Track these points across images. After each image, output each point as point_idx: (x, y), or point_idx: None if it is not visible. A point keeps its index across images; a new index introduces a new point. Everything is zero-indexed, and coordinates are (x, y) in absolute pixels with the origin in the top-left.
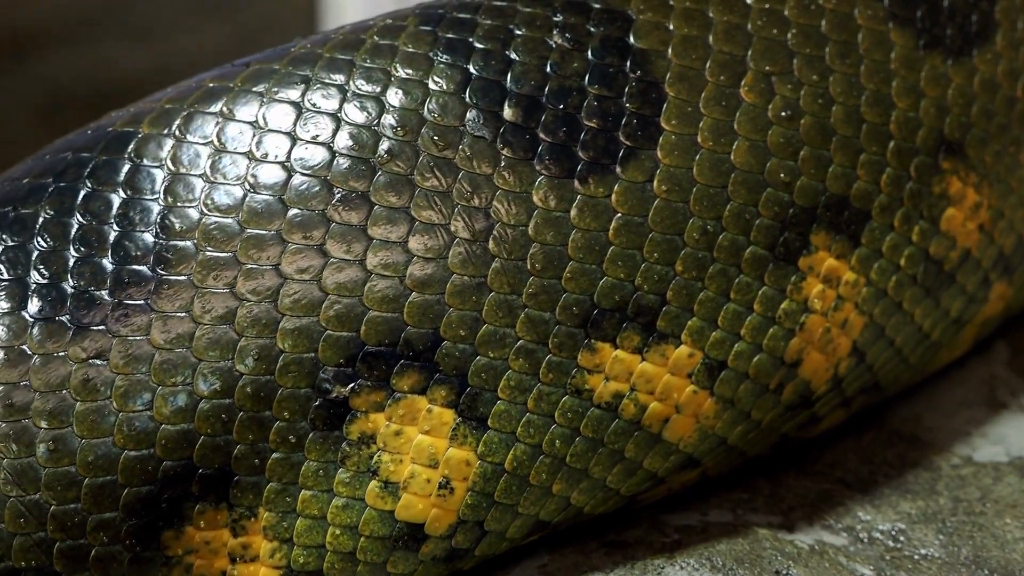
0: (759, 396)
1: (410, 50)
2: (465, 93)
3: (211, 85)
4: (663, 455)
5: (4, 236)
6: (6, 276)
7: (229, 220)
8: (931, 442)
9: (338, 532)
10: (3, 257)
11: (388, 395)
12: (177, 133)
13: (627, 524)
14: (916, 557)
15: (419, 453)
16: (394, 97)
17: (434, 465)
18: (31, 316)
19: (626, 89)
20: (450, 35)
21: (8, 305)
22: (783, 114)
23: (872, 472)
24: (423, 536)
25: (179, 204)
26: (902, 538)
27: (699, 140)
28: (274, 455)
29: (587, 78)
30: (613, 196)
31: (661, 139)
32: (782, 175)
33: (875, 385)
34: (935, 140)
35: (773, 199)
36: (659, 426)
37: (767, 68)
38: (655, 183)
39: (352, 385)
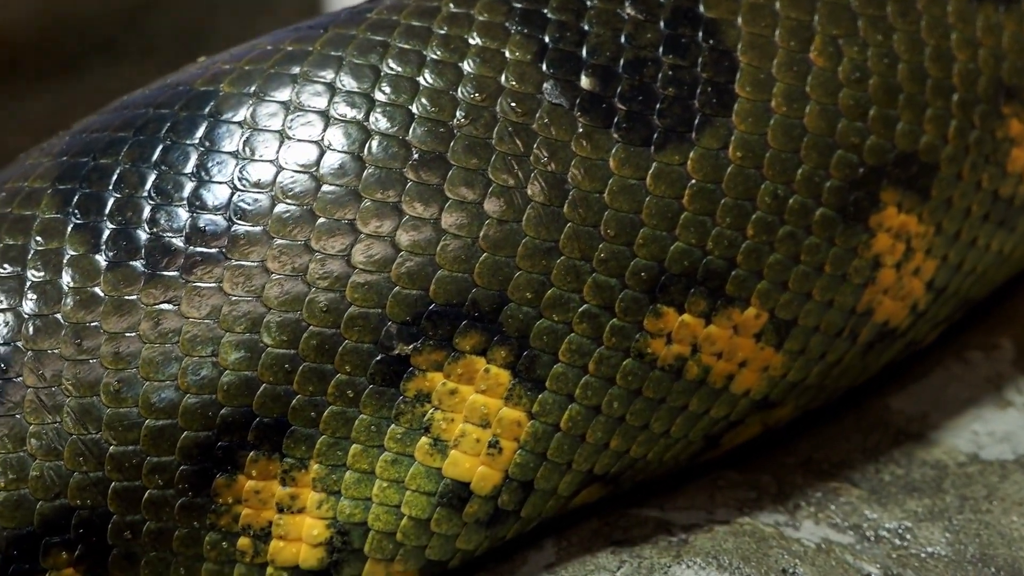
0: (831, 343)
1: (485, 19)
2: (542, 63)
3: (290, 48)
4: (730, 403)
5: (83, 184)
6: (82, 221)
7: (306, 177)
8: (937, 440)
9: (385, 485)
10: (80, 203)
11: (448, 354)
12: (257, 93)
13: (634, 523)
14: (923, 555)
15: (472, 412)
16: (471, 64)
17: (485, 425)
18: (105, 260)
19: (699, 58)
20: (523, 6)
21: (82, 249)
22: (853, 76)
23: (878, 470)
24: (468, 495)
25: (257, 160)
26: (908, 536)
27: (772, 106)
28: (330, 408)
29: (661, 48)
30: (688, 163)
31: (736, 106)
32: (852, 136)
33: (965, 302)
34: (995, 88)
35: (843, 161)
36: (723, 382)
37: (834, 32)
38: (730, 149)
39: (415, 343)
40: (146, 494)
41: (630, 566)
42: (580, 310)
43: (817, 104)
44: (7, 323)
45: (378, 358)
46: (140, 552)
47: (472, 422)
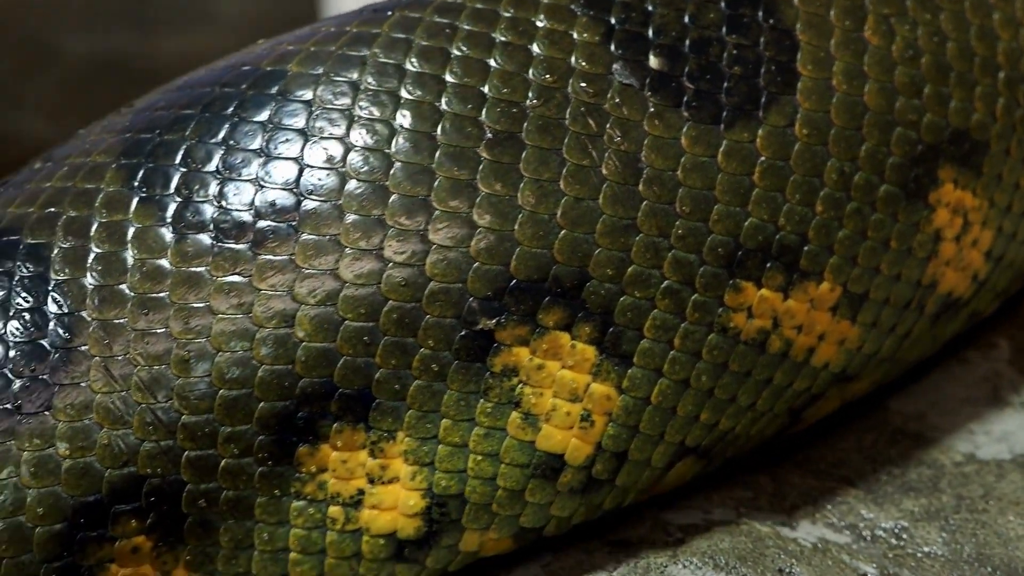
0: (901, 315)
1: (550, 2)
2: (610, 44)
3: (356, 30)
4: (811, 376)
5: (148, 159)
6: (148, 195)
7: (378, 155)
8: (934, 440)
9: (480, 459)
10: (146, 178)
11: (533, 329)
12: (326, 73)
13: (630, 523)
14: (919, 555)
15: (561, 387)
16: (540, 46)
17: (575, 399)
18: (172, 234)
19: (761, 37)
20: None
21: (148, 222)
22: (906, 55)
23: (875, 470)
24: (562, 466)
25: (327, 137)
26: (905, 536)
27: (833, 84)
28: (416, 383)
29: (723, 28)
30: (757, 140)
31: (799, 84)
32: (910, 114)
33: (1020, 273)
34: None
35: (903, 138)
36: (804, 355)
37: (884, 10)
38: (796, 127)
39: (498, 318)
40: (222, 463)
41: (626, 566)
42: (662, 286)
43: (875, 82)
44: (70, 293)
45: (462, 333)
46: (218, 519)
47: (562, 397)
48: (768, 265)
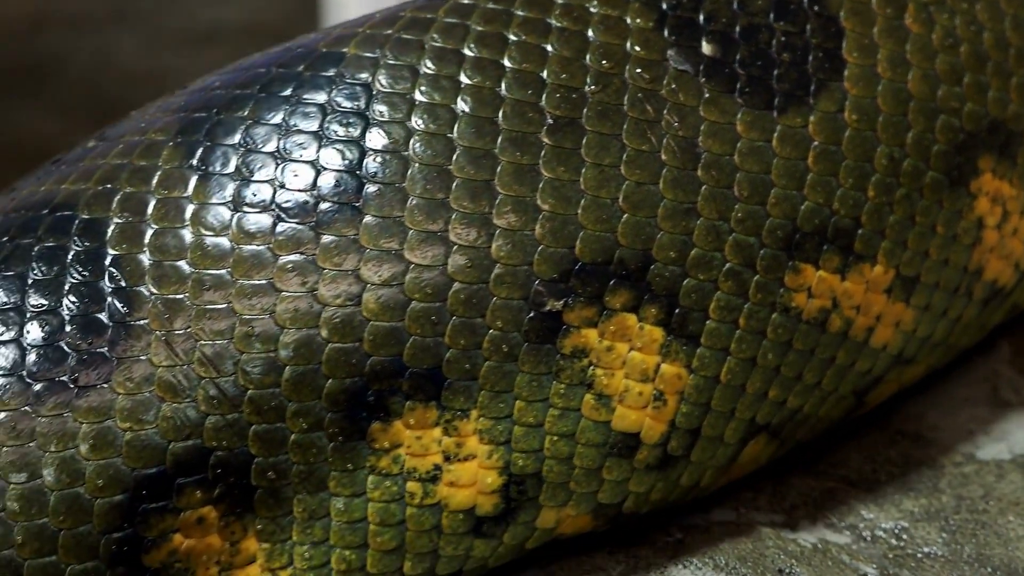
0: (951, 300)
1: None
2: (664, 30)
3: (411, 16)
4: (871, 357)
5: (206, 137)
6: (206, 173)
7: (440, 140)
8: (934, 440)
9: (555, 439)
10: (204, 156)
11: (600, 311)
12: (384, 56)
13: (631, 524)
14: (919, 555)
15: (632, 368)
16: (596, 32)
17: (646, 379)
18: (231, 211)
19: (807, 25)
20: None
21: (208, 200)
22: (946, 42)
23: (875, 470)
24: (637, 443)
25: (389, 120)
26: (905, 536)
27: (879, 71)
28: (487, 363)
29: (771, 15)
30: (810, 126)
31: (846, 71)
32: (952, 102)
33: None
34: None
35: (947, 125)
36: (864, 335)
37: None
38: (845, 113)
39: (566, 299)
40: (291, 437)
41: (627, 566)
42: (724, 268)
43: (918, 69)
44: (129, 269)
45: (530, 315)
46: (290, 491)
47: (633, 378)
48: (825, 247)
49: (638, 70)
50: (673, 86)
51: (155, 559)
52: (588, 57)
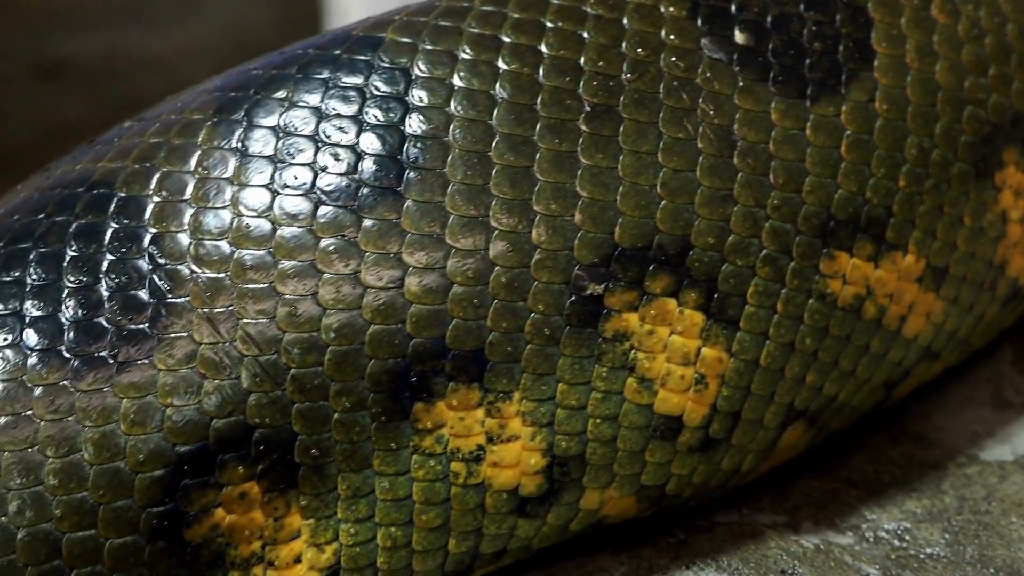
0: (978, 294)
1: None
2: (697, 19)
3: (447, 4)
4: (904, 347)
5: (245, 116)
6: (245, 152)
7: (480, 126)
8: (937, 441)
9: (599, 422)
10: (243, 136)
11: (641, 295)
12: (423, 42)
13: (633, 524)
14: (922, 556)
15: (673, 352)
16: (632, 20)
17: (687, 363)
18: (271, 193)
19: (837, 15)
20: None
21: (248, 180)
22: (972, 33)
23: (877, 471)
24: (680, 426)
25: (430, 104)
26: (908, 537)
27: (907, 60)
28: (529, 346)
29: (802, 5)
30: (842, 115)
31: (876, 61)
32: (979, 93)
33: None
34: None
35: (973, 116)
36: (897, 324)
37: None
38: (876, 102)
39: (607, 284)
40: (335, 416)
41: (629, 567)
42: (761, 254)
43: (946, 60)
44: (168, 247)
45: (572, 298)
46: (334, 469)
47: (674, 361)
48: (858, 235)
49: (673, 58)
50: (708, 74)
51: (197, 534)
52: (624, 45)
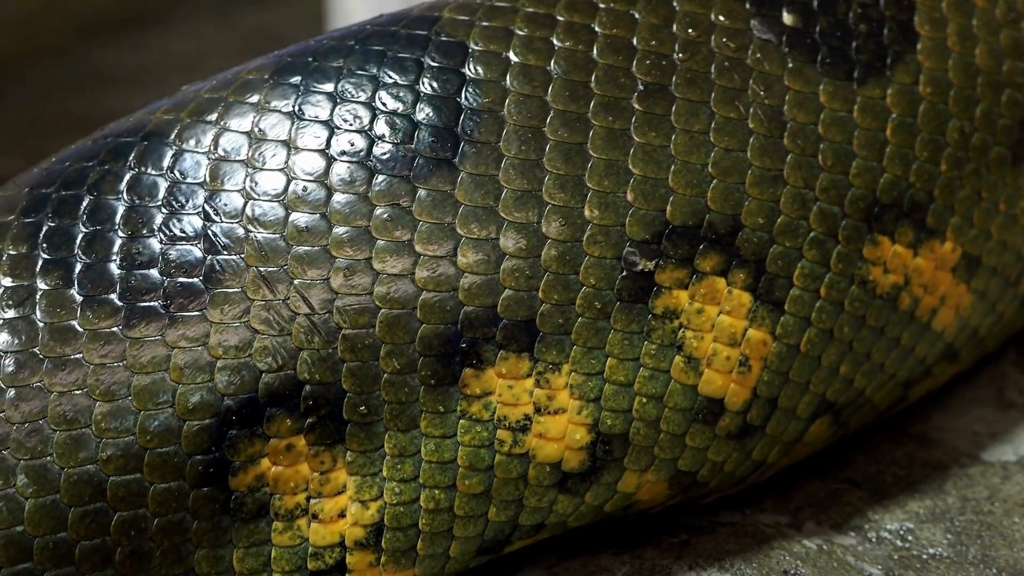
0: (1004, 289)
1: None
2: (745, 1)
3: None
4: (930, 343)
5: (304, 80)
6: (305, 118)
7: (537, 98)
8: (939, 441)
9: (644, 401)
10: (304, 100)
11: (691, 274)
12: (479, 21)
13: (636, 524)
14: (924, 556)
15: (720, 331)
16: (682, 1)
17: (734, 344)
18: (330, 158)
19: None
20: None
21: (308, 145)
22: (1009, 17)
23: (880, 471)
24: (721, 410)
25: (486, 78)
26: (910, 537)
27: (948, 44)
28: (580, 319)
29: None
30: (888, 97)
31: (919, 44)
32: (1017, 76)
33: None
34: None
35: (1012, 100)
36: (928, 316)
37: None
38: (920, 85)
39: (658, 260)
40: (384, 376)
41: (632, 567)
42: (809, 236)
43: (984, 43)
44: (225, 205)
45: (623, 274)
46: (381, 428)
47: (721, 341)
48: (900, 221)
49: (723, 39)
50: (758, 55)
51: (242, 482)
52: (675, 26)
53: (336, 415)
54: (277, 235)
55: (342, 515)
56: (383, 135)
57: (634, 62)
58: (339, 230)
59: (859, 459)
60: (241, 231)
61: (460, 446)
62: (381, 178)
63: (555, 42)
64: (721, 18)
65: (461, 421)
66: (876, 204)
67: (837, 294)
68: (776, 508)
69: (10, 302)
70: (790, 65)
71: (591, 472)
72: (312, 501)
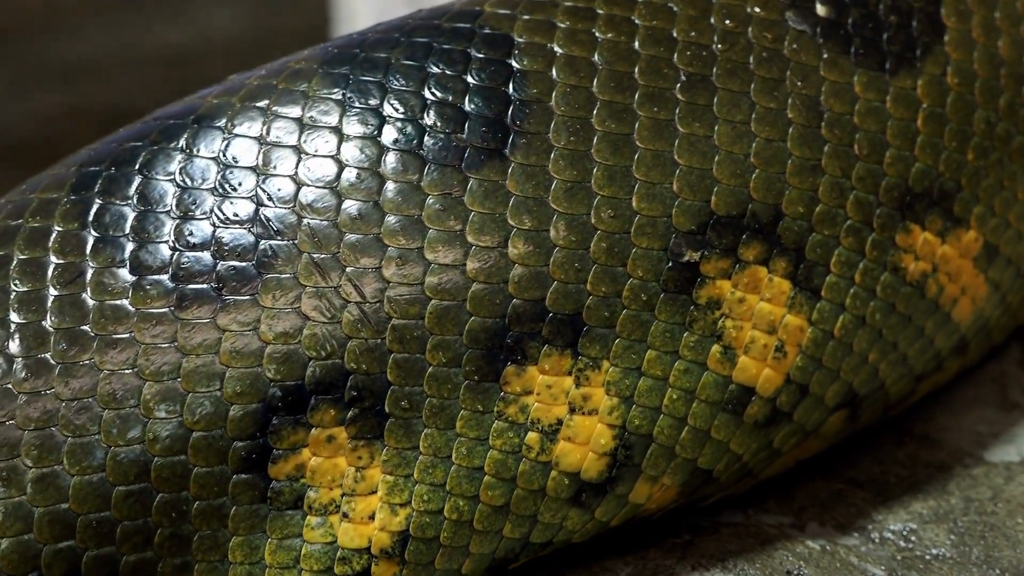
0: (1015, 280)
1: None
2: None
3: None
4: (948, 334)
5: (354, 71)
6: (357, 106)
7: (583, 89)
8: (943, 441)
9: (675, 396)
10: (356, 88)
11: (734, 263)
12: (520, 13)
13: (639, 525)
14: (927, 557)
15: (760, 319)
16: None
17: (772, 331)
18: (382, 148)
19: None
20: None
21: (362, 132)
22: None
23: (883, 472)
24: (751, 398)
25: (533, 69)
26: (913, 538)
27: (973, 35)
28: (625, 311)
29: None
30: (919, 88)
31: (946, 35)
32: None
33: None
34: None
35: None
36: (950, 305)
37: None
38: (948, 75)
39: (703, 251)
40: (429, 370)
41: (635, 567)
42: (846, 225)
43: (1007, 35)
44: (279, 190)
45: (669, 264)
46: (420, 425)
47: (760, 329)
48: (930, 209)
49: (761, 30)
50: (795, 46)
51: (281, 471)
52: (712, 17)
53: (378, 408)
54: (330, 222)
55: (372, 518)
56: (434, 125)
57: (675, 53)
58: (392, 219)
59: (862, 459)
60: (294, 217)
61: (490, 451)
62: (433, 167)
63: (597, 34)
64: (757, 9)
65: (496, 423)
66: (909, 192)
67: (871, 281)
68: (779, 508)
69: (60, 280)
70: (825, 56)
71: (607, 483)
72: (345, 499)
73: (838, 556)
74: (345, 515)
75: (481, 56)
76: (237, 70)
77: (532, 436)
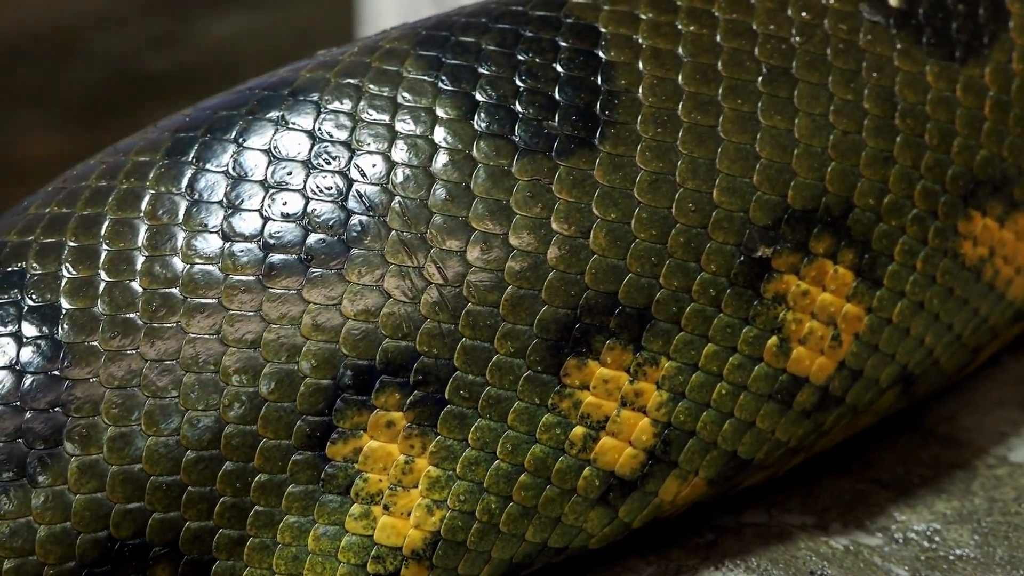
0: None
1: None
2: None
3: None
4: (1002, 311)
5: (447, 55)
6: (452, 88)
7: (670, 80)
8: (966, 442)
9: (725, 391)
10: (448, 71)
11: (803, 257)
12: (604, 3)
13: (662, 524)
14: (951, 557)
15: (820, 312)
16: None
17: (830, 323)
18: (474, 126)
19: None
20: None
21: (454, 113)
22: None
23: (907, 472)
24: (801, 387)
25: (620, 60)
26: (937, 538)
27: None
28: (692, 305)
29: None
30: (986, 76)
31: (1011, 22)
32: None
33: None
34: None
35: None
36: (1004, 286)
37: None
38: (1014, 62)
39: (775, 246)
40: (494, 358)
41: (658, 568)
42: (911, 214)
43: None
44: (373, 166)
45: (741, 259)
46: (473, 416)
47: (820, 320)
48: (993, 195)
49: (836, 22)
50: (869, 37)
51: (339, 452)
52: (789, 10)
53: (439, 395)
54: (421, 202)
55: (409, 514)
56: (524, 112)
57: (756, 45)
58: (480, 203)
59: (885, 460)
60: (386, 195)
61: (535, 445)
62: (523, 153)
63: (679, 26)
64: (832, 1)
65: (546, 416)
66: (973, 180)
67: (931, 268)
68: (802, 508)
69: (152, 242)
70: (899, 46)
71: (639, 479)
72: (390, 491)
73: (861, 556)
74: (386, 508)
75: (569, 45)
76: (260, 72)
77: (577, 431)
